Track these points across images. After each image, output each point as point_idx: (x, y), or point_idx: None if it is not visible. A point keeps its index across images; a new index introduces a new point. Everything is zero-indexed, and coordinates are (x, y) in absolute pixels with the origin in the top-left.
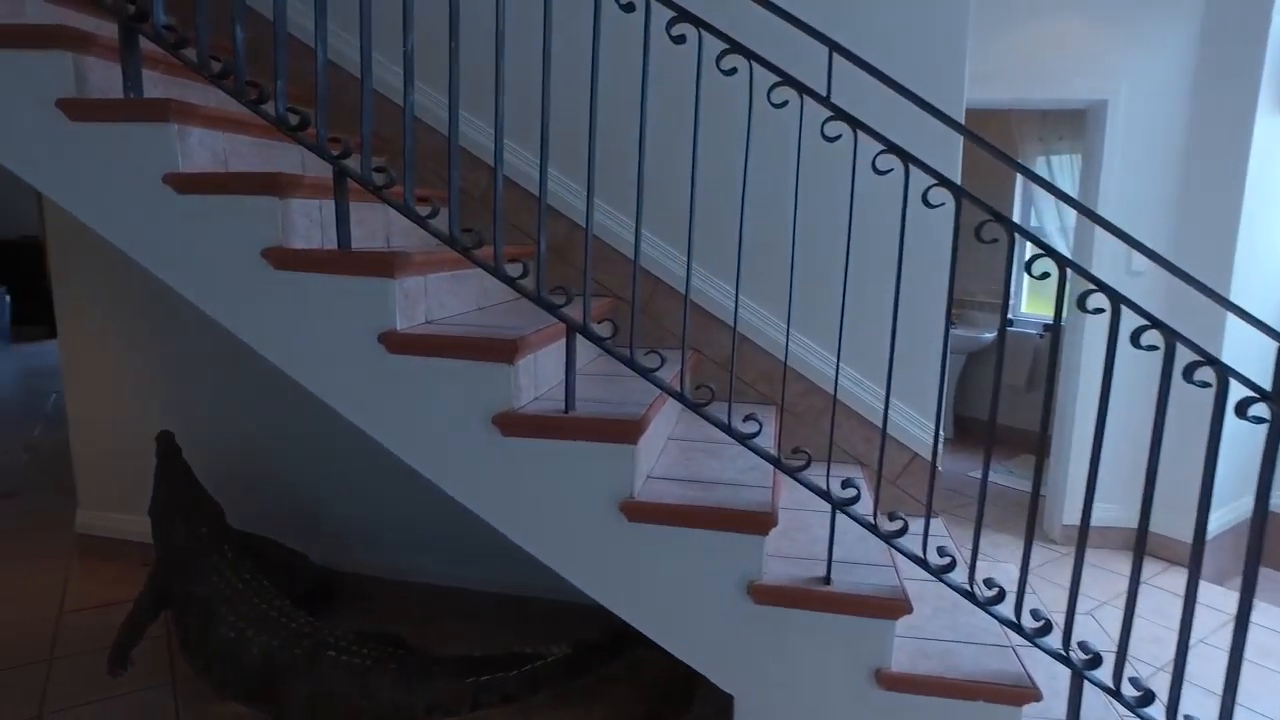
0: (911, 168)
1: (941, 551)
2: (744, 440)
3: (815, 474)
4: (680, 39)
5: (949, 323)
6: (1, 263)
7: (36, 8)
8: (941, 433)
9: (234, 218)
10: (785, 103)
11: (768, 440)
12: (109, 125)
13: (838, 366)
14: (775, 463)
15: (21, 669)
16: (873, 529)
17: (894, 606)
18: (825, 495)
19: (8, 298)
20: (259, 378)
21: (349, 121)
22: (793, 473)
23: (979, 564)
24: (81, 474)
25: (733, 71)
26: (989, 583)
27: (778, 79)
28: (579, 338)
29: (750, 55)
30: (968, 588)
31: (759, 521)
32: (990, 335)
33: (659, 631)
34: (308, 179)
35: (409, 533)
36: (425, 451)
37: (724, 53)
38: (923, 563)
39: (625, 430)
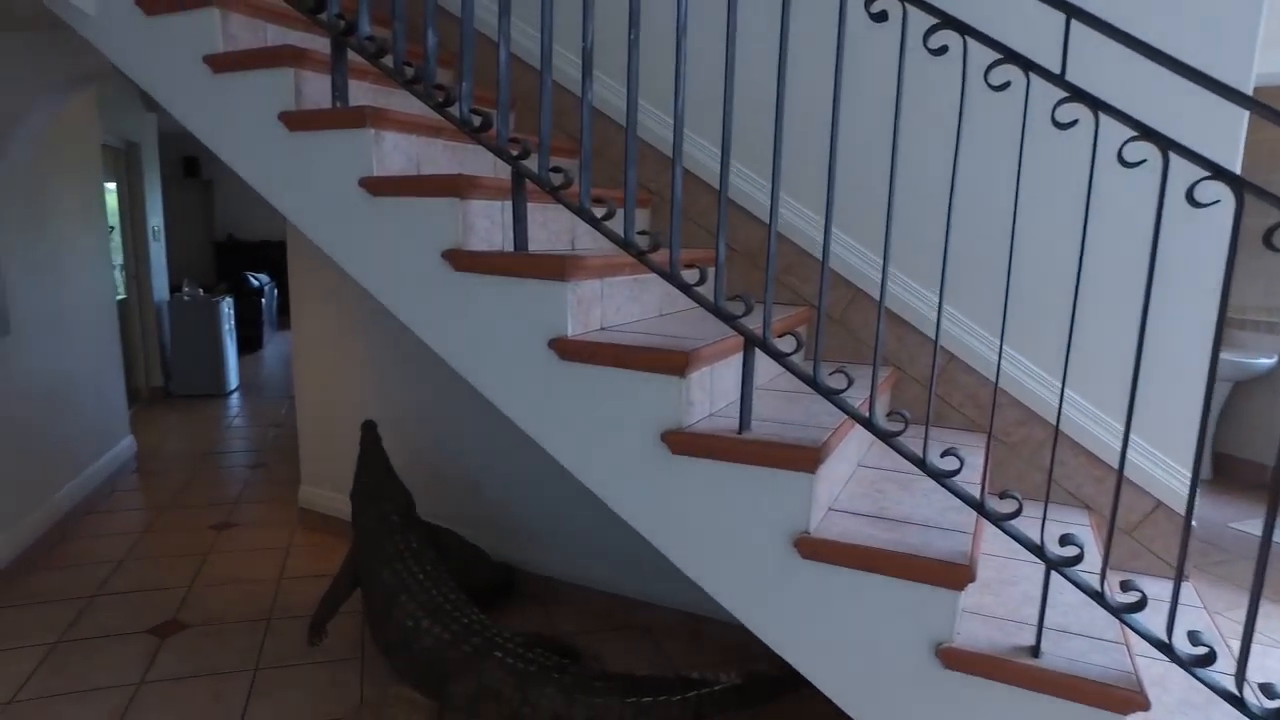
0: (1172, 157)
1: (1195, 638)
2: (941, 478)
3: (1030, 519)
4: (881, 16)
5: (1218, 344)
6: (271, 259)
7: (278, 34)
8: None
9: (418, 219)
10: (1007, 84)
11: (973, 474)
12: (317, 134)
13: (1062, 392)
14: (978, 508)
15: (247, 623)
16: (1099, 599)
17: (1124, 699)
18: (1039, 552)
19: (275, 290)
20: (453, 374)
21: (536, 123)
22: (999, 521)
23: (1254, 648)
24: (305, 453)
25: (943, 50)
26: (1269, 690)
27: (998, 55)
28: (760, 353)
29: (965, 29)
30: (1235, 692)
31: (953, 574)
32: (1268, 361)
33: (829, 684)
34: (487, 180)
35: (589, 537)
36: (591, 466)
37: (933, 29)
38: (1167, 649)
39: (803, 457)
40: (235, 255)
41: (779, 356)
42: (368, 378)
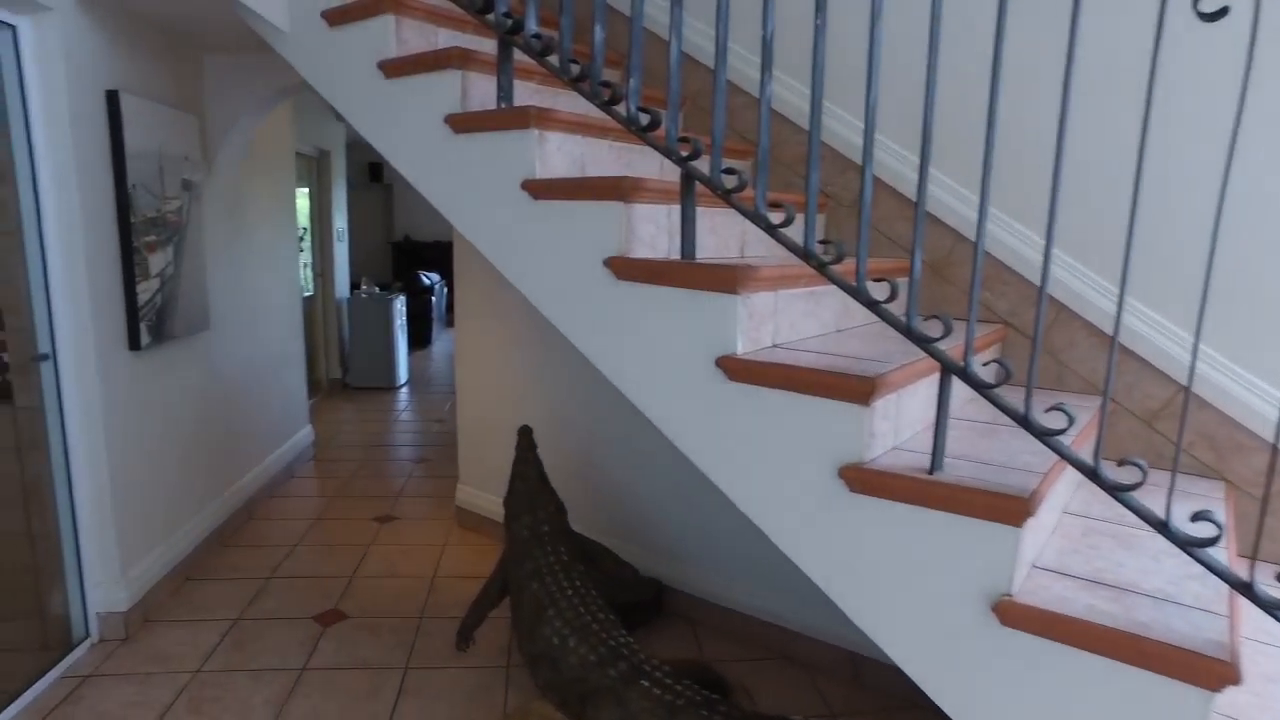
0: None
1: None
2: (1189, 547)
3: None
4: None
5: None
6: (443, 259)
7: (449, 38)
8: None
9: (580, 224)
10: None
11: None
12: (480, 136)
13: None
14: (1244, 589)
15: (401, 620)
16: None
17: None
18: None
19: (445, 289)
20: (607, 380)
21: (708, 123)
22: (1274, 608)
23: None
24: (463, 452)
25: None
26: None
27: None
28: (955, 380)
29: None
30: None
31: (1208, 671)
32: None
33: None
34: (653, 183)
35: (745, 558)
36: (757, 499)
37: None
38: None
39: (1009, 508)
40: (411, 255)
41: (983, 388)
42: (525, 380)
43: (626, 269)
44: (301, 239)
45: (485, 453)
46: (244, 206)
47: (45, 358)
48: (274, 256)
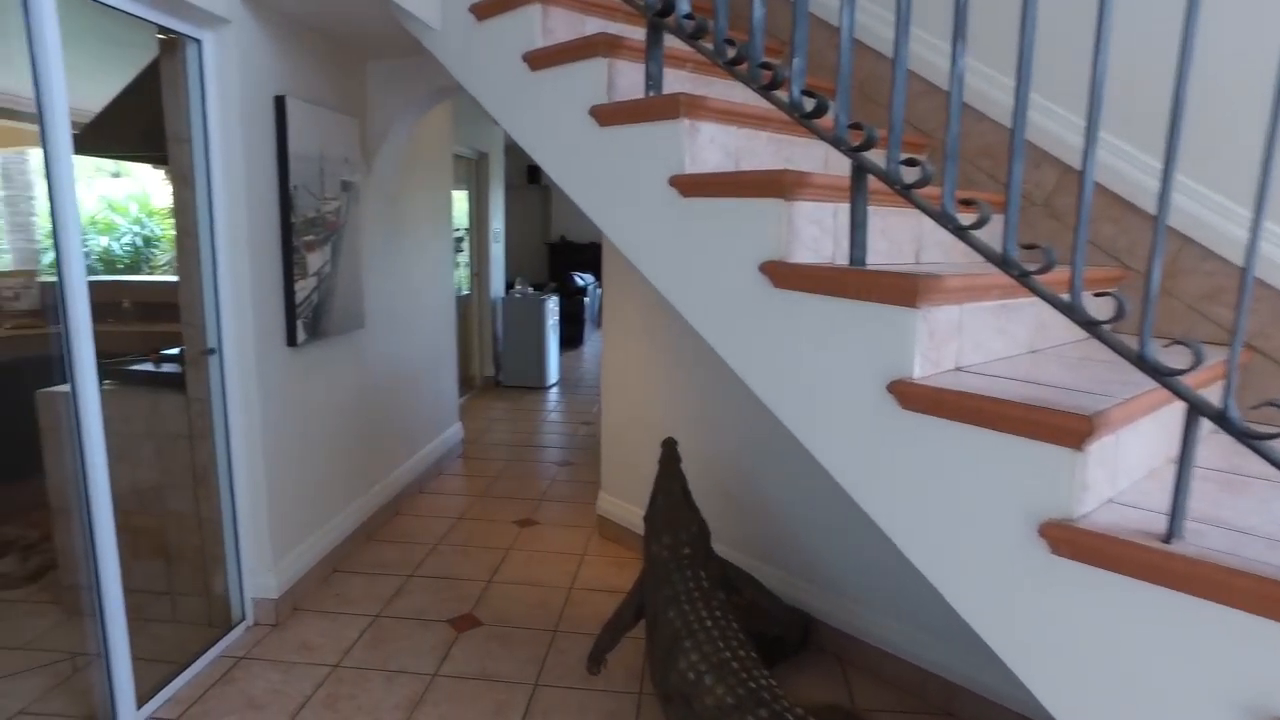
0: None
1: None
2: None
3: None
4: None
5: None
6: (596, 260)
7: (597, 27)
8: None
9: (733, 224)
10: None
11: None
12: (626, 128)
13: None
14: None
15: (534, 631)
16: None
17: None
18: None
19: (598, 290)
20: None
21: (883, 116)
22: None
23: None
24: (606, 460)
25: None
26: None
27: None
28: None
29: None
30: None
31: None
32: None
33: None
34: (817, 178)
35: (909, 598)
36: (932, 552)
37: None
38: None
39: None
40: (565, 255)
41: (1251, 439)
42: (671, 387)
43: (786, 275)
44: (460, 240)
45: (628, 461)
46: (402, 207)
47: (212, 352)
48: (430, 256)
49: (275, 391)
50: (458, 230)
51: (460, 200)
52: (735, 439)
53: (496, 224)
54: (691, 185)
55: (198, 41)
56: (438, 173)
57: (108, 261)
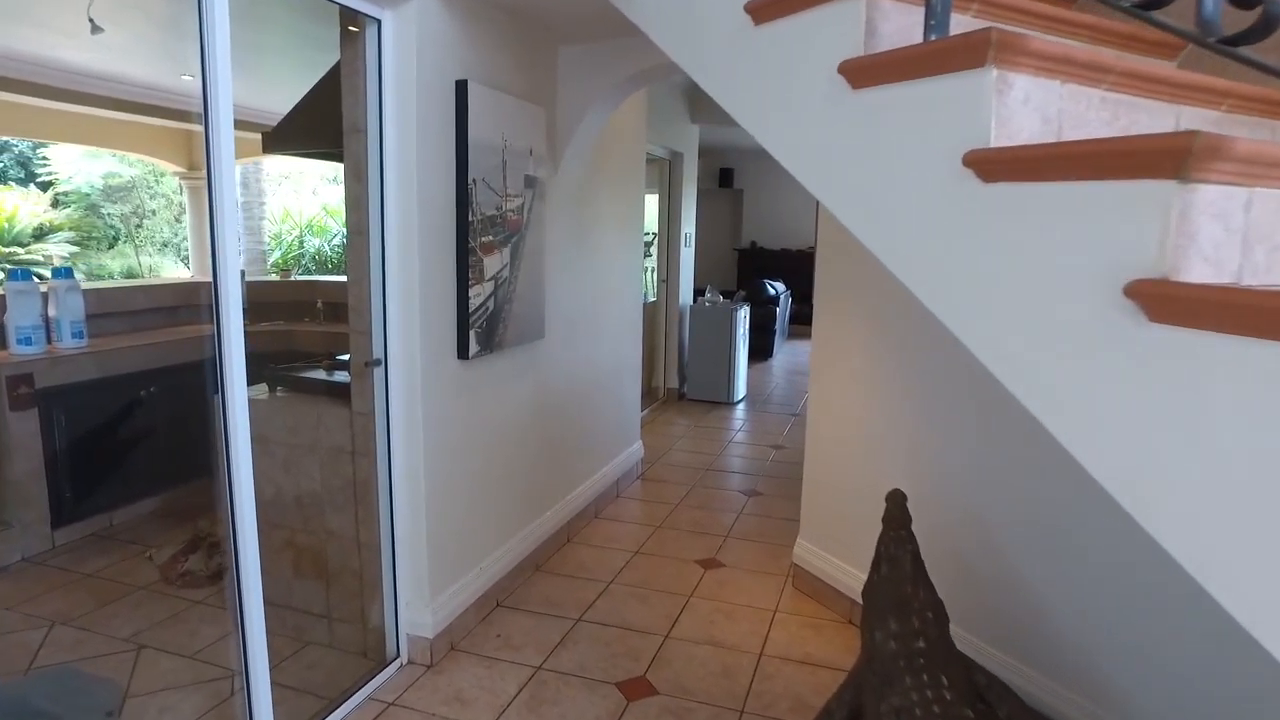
0: None
1: None
2: None
3: None
4: None
5: None
6: (788, 267)
7: None
8: None
9: (1070, 225)
10: None
11: None
12: (895, 90)
13: None
14: None
15: (717, 710)
16: None
17: None
18: None
19: (790, 299)
20: (1026, 444)
21: None
22: None
23: None
24: (807, 502)
25: None
26: None
27: None
28: None
29: None
30: None
31: None
32: None
33: None
34: (1243, 146)
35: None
36: None
37: None
38: None
39: None
40: (755, 262)
41: None
42: (894, 422)
43: (1182, 304)
44: (647, 244)
45: (834, 506)
46: (591, 207)
47: (378, 363)
48: (619, 261)
49: (442, 409)
50: (646, 234)
51: (650, 203)
52: (984, 495)
53: (688, 227)
54: (1004, 166)
55: (377, 21)
56: (630, 171)
57: (320, 262)
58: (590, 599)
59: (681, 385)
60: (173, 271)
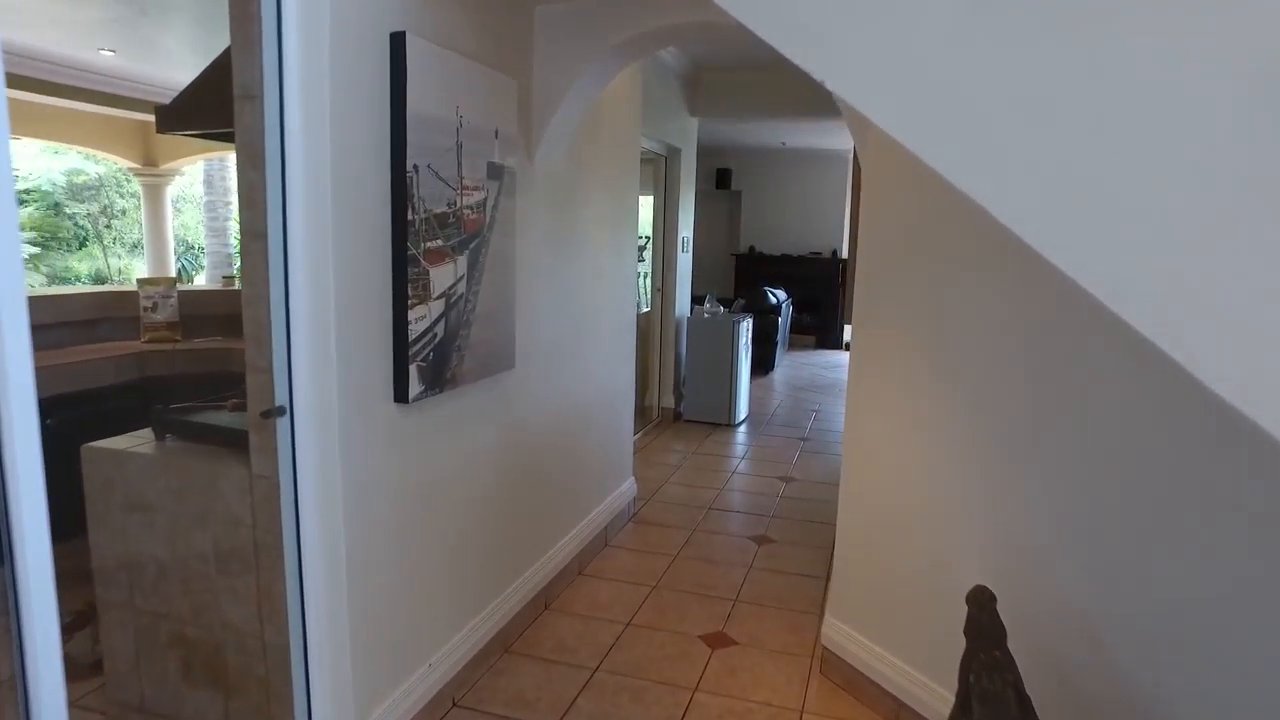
0: None
1: None
2: None
3: None
4: None
5: None
6: (788, 273)
7: None
8: None
9: None
10: None
11: None
12: None
13: None
14: None
15: None
16: None
17: None
18: None
19: (791, 308)
20: (1159, 515)
21: None
22: None
23: None
24: (839, 573)
25: None
26: None
27: None
28: None
29: None
30: None
31: None
32: None
33: None
34: None
35: None
36: None
37: None
38: None
39: None
40: (755, 268)
41: None
42: (968, 488)
43: None
44: (641, 248)
45: (877, 583)
46: (576, 204)
47: (281, 411)
48: (611, 270)
49: (372, 469)
50: (640, 238)
51: (644, 204)
52: (1089, 580)
53: (685, 231)
54: None
55: None
56: (623, 162)
57: None
58: (571, 696)
59: (678, 405)
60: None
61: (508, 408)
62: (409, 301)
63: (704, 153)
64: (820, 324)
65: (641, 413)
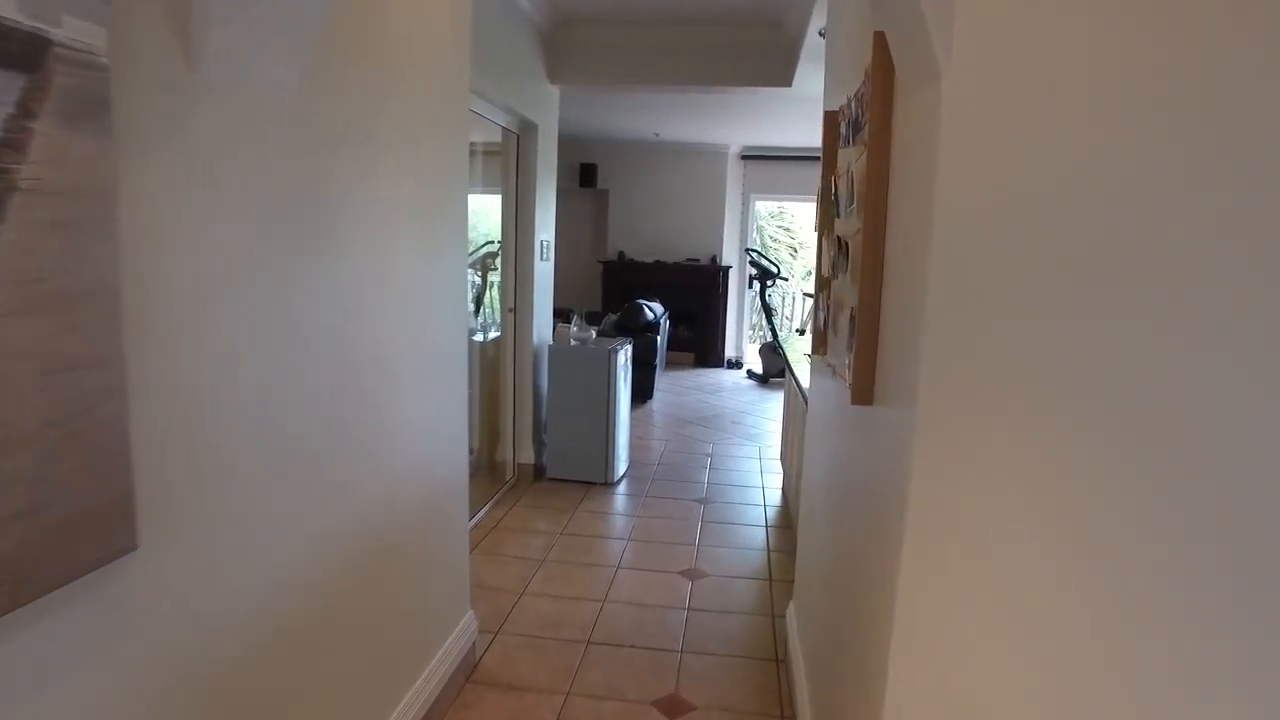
0: None
1: None
2: None
3: None
4: None
5: None
6: (663, 284)
7: None
8: None
9: None
10: None
11: None
12: None
13: None
14: None
15: None
16: None
17: None
18: None
19: (669, 323)
20: None
21: None
22: None
23: None
24: None
25: None
26: None
27: None
28: None
29: None
30: None
31: None
32: None
33: None
34: None
35: None
36: None
37: None
38: None
39: None
40: (625, 276)
41: None
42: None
43: None
44: (494, 255)
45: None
46: (333, 173)
47: None
48: (415, 286)
49: None
50: (491, 243)
51: (492, 203)
52: None
53: (545, 234)
54: None
55: None
56: (437, 125)
57: None
58: None
59: (539, 457)
60: None
61: (144, 627)
62: None
63: (566, 146)
64: (699, 339)
65: (491, 473)
